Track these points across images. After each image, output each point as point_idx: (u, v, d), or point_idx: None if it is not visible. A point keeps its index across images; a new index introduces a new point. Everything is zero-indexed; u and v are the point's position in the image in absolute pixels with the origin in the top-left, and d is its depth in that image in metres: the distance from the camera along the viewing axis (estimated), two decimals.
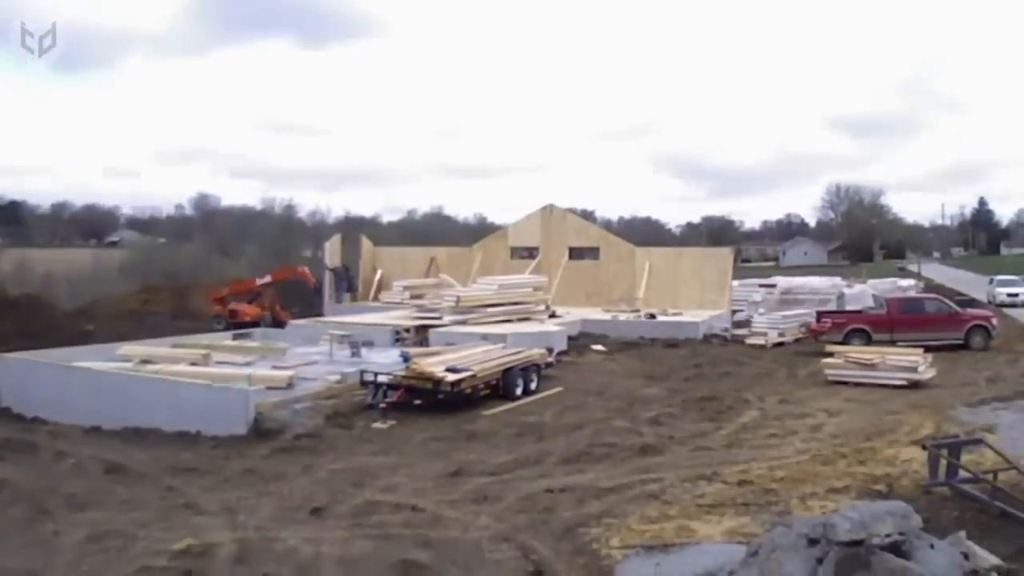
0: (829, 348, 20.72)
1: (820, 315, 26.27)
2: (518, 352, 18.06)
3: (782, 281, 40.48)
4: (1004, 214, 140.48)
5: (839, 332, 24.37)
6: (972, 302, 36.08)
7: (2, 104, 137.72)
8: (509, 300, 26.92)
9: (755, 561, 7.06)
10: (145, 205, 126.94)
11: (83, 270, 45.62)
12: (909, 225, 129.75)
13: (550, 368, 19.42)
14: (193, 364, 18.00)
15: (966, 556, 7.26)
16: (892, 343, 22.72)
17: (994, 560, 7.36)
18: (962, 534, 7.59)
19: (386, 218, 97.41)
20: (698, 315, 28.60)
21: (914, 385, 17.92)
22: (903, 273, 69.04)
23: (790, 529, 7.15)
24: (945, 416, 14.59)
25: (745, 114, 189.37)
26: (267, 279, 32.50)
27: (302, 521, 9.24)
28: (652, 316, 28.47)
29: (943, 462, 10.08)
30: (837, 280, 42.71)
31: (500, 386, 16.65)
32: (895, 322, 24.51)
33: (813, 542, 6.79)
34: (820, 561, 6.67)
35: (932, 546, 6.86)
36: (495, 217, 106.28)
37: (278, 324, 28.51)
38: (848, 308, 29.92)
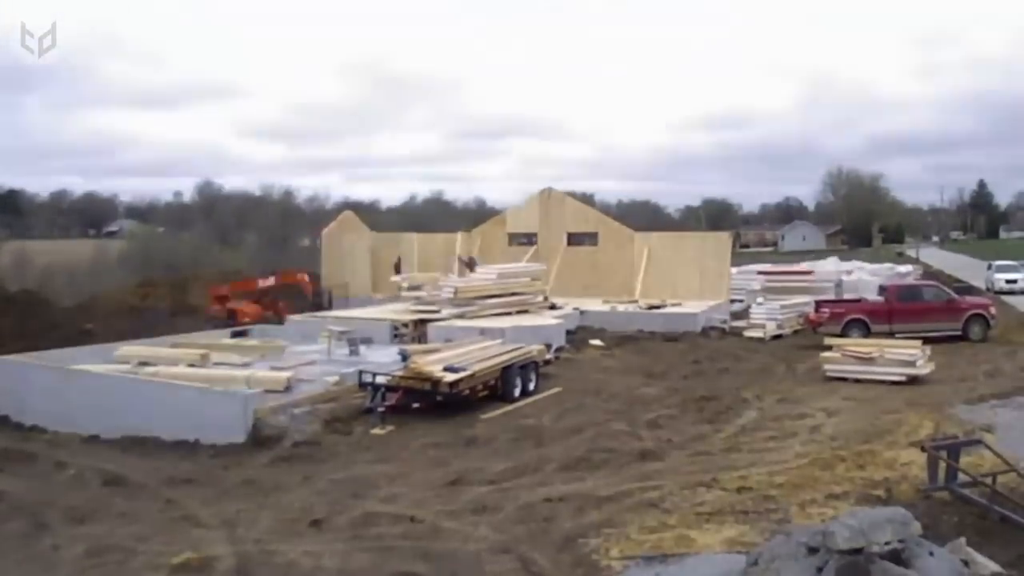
0: (828, 342, 20.64)
1: (819, 305, 26.22)
2: (517, 348, 17.92)
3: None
4: (1003, 197, 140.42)
5: (837, 323, 24.31)
6: (970, 289, 36.00)
7: None
8: (508, 291, 26.64)
9: (755, 571, 7.04)
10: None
11: (82, 263, 45.35)
12: (908, 208, 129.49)
13: (548, 365, 19.37)
14: (191, 365, 17.95)
15: (966, 563, 7.25)
16: (891, 334, 22.68)
17: (994, 567, 7.35)
18: (962, 541, 7.58)
19: (385, 203, 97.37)
20: (697, 306, 28.48)
21: (913, 380, 17.86)
22: (901, 258, 69.00)
23: (789, 538, 7.11)
24: (944, 415, 14.54)
25: None
26: (270, 282, 31.39)
27: (301, 534, 9.22)
28: (653, 307, 28.32)
29: (942, 465, 10.06)
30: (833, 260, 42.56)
31: (498, 386, 16.54)
32: (894, 311, 24.45)
33: (812, 551, 6.76)
34: (820, 570, 6.65)
35: (932, 554, 6.82)
36: (494, 202, 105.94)
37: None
38: (847, 296, 29.89)
